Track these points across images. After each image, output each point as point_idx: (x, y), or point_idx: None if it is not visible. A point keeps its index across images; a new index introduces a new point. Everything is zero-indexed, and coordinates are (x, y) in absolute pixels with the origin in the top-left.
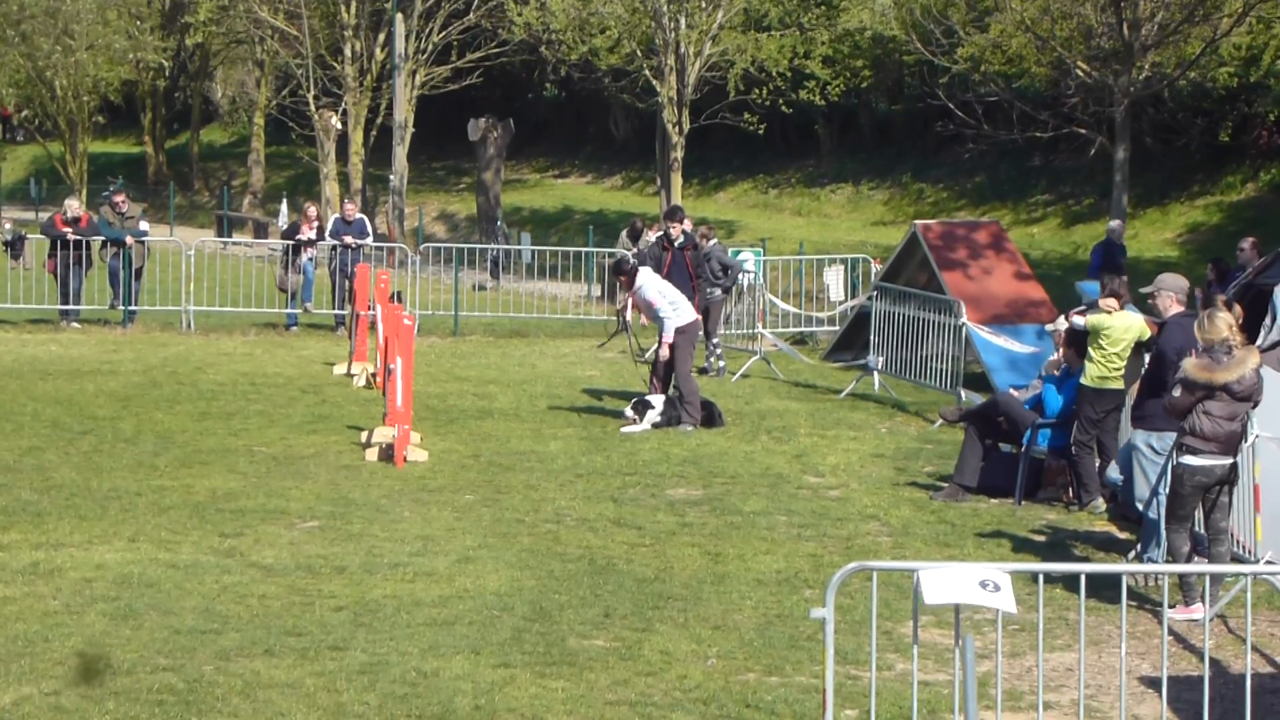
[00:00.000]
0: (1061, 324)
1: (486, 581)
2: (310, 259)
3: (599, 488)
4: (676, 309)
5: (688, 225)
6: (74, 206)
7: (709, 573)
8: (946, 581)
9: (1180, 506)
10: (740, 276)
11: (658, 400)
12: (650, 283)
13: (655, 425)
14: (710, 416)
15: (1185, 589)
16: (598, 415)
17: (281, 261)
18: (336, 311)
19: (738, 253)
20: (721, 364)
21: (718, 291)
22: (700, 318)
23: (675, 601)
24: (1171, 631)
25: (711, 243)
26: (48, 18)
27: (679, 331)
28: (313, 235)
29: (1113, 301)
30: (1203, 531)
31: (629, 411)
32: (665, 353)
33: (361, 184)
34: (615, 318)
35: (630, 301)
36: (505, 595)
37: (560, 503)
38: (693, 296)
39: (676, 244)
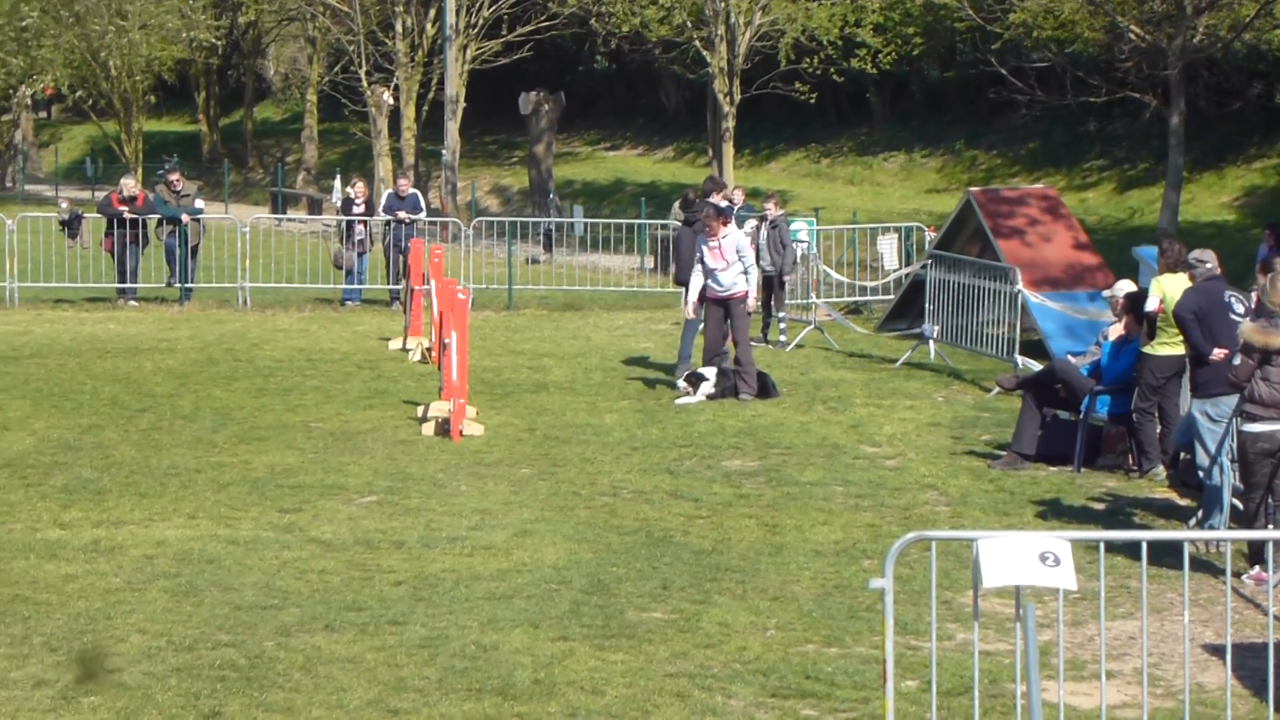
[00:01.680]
0: (1119, 290)
1: (544, 555)
2: (357, 236)
3: (655, 460)
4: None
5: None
6: (130, 185)
7: (766, 544)
8: (1006, 555)
9: (1250, 474)
10: (796, 249)
11: (710, 372)
12: (741, 235)
13: (709, 397)
14: (765, 387)
15: (1251, 554)
16: (652, 387)
17: (338, 238)
18: (391, 286)
19: (790, 221)
20: (783, 339)
21: (784, 264)
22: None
23: (733, 573)
24: (1235, 598)
25: (779, 213)
26: None
27: (744, 300)
28: (361, 209)
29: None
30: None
31: (682, 384)
32: (753, 304)
33: (414, 159)
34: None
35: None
36: (563, 568)
37: (617, 475)
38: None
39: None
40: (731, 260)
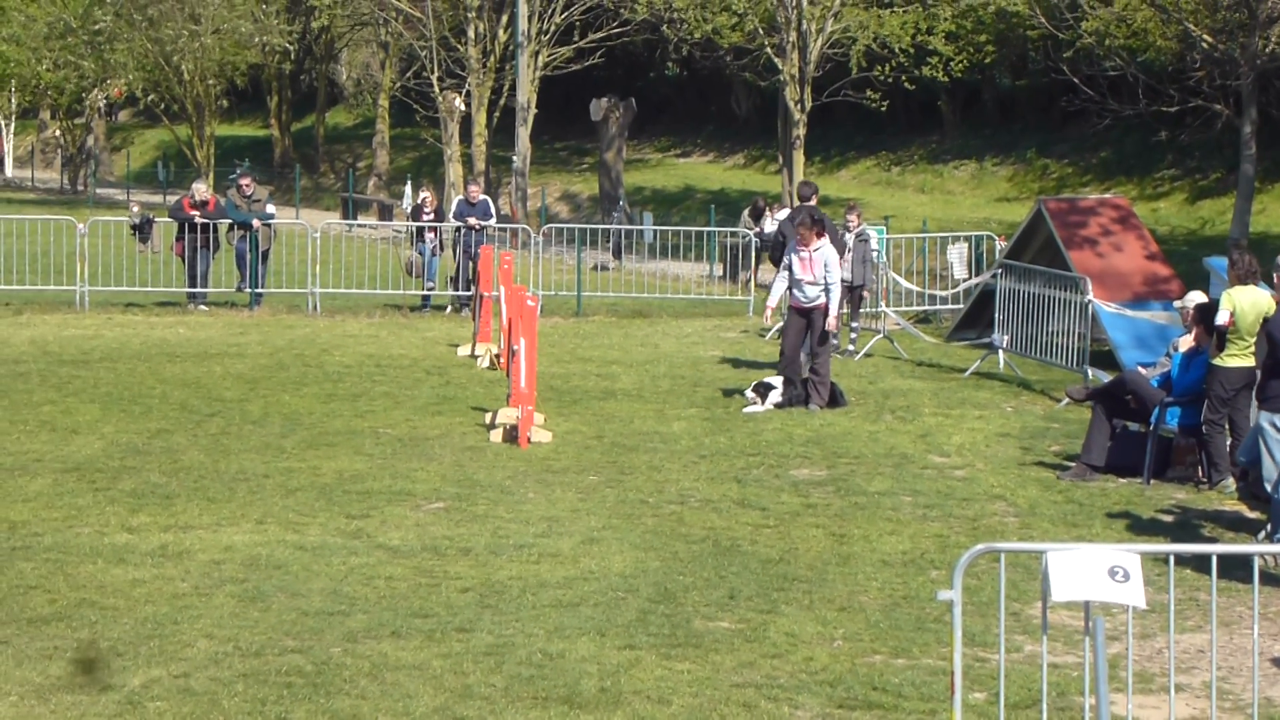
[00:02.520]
0: (1190, 301)
1: (611, 563)
2: (428, 243)
3: (723, 468)
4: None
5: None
6: (201, 190)
7: (834, 554)
8: (1075, 568)
9: None
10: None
11: (778, 381)
12: (833, 251)
13: (777, 406)
14: (833, 396)
15: None
16: (721, 396)
17: (409, 244)
18: (460, 293)
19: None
20: (852, 348)
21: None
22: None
23: (800, 583)
24: None
25: (862, 225)
26: (175, 3)
27: (826, 311)
28: (431, 217)
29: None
30: None
31: (750, 393)
32: (833, 324)
33: (485, 165)
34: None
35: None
36: (630, 577)
37: (684, 484)
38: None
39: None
40: (819, 276)
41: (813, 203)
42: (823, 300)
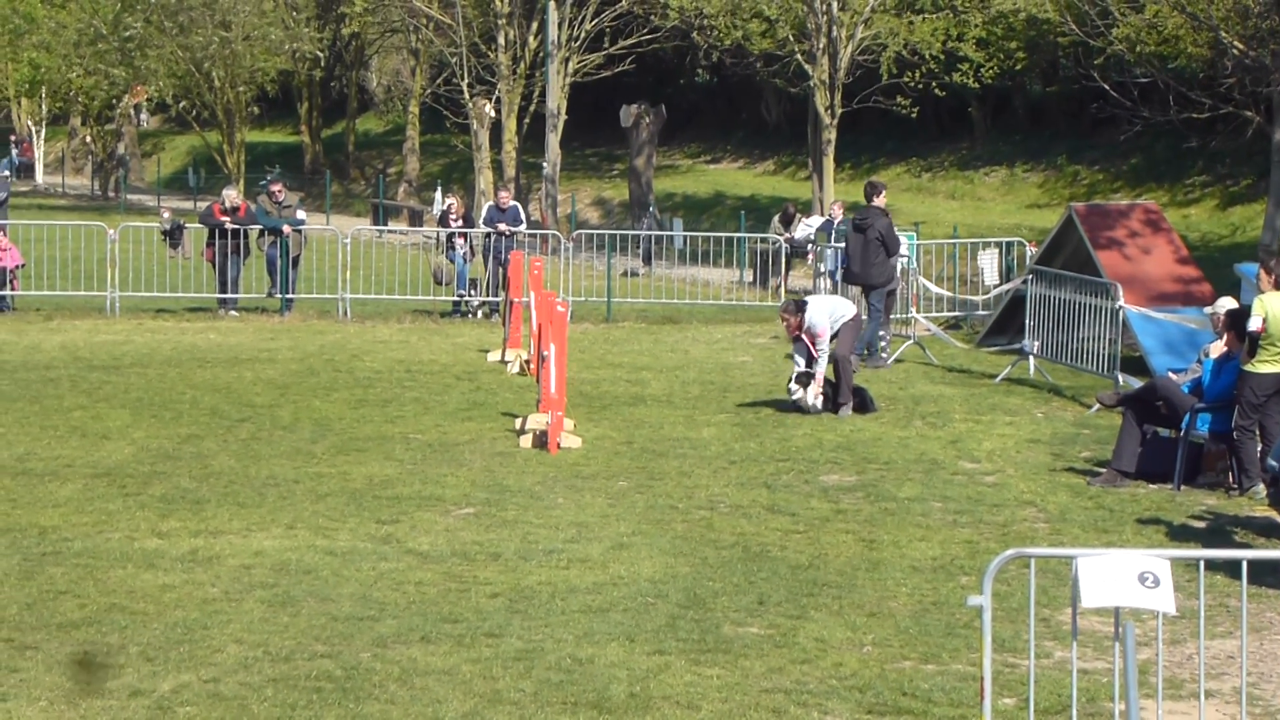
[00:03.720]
0: (1220, 307)
1: (641, 568)
2: (457, 249)
3: (752, 474)
4: (839, 322)
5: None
6: (232, 196)
7: (864, 559)
8: (1105, 574)
9: None
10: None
11: (820, 374)
12: (818, 310)
13: (823, 395)
14: (863, 402)
15: None
16: (750, 401)
17: (437, 251)
18: (490, 298)
19: None
20: (883, 354)
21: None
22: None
23: (830, 588)
24: None
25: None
26: (205, 9)
27: (849, 325)
28: (458, 223)
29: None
30: None
31: (794, 385)
32: (815, 402)
33: (515, 171)
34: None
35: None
36: (659, 582)
37: (714, 489)
38: (869, 270)
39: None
40: (824, 349)
41: (879, 201)
42: (848, 317)
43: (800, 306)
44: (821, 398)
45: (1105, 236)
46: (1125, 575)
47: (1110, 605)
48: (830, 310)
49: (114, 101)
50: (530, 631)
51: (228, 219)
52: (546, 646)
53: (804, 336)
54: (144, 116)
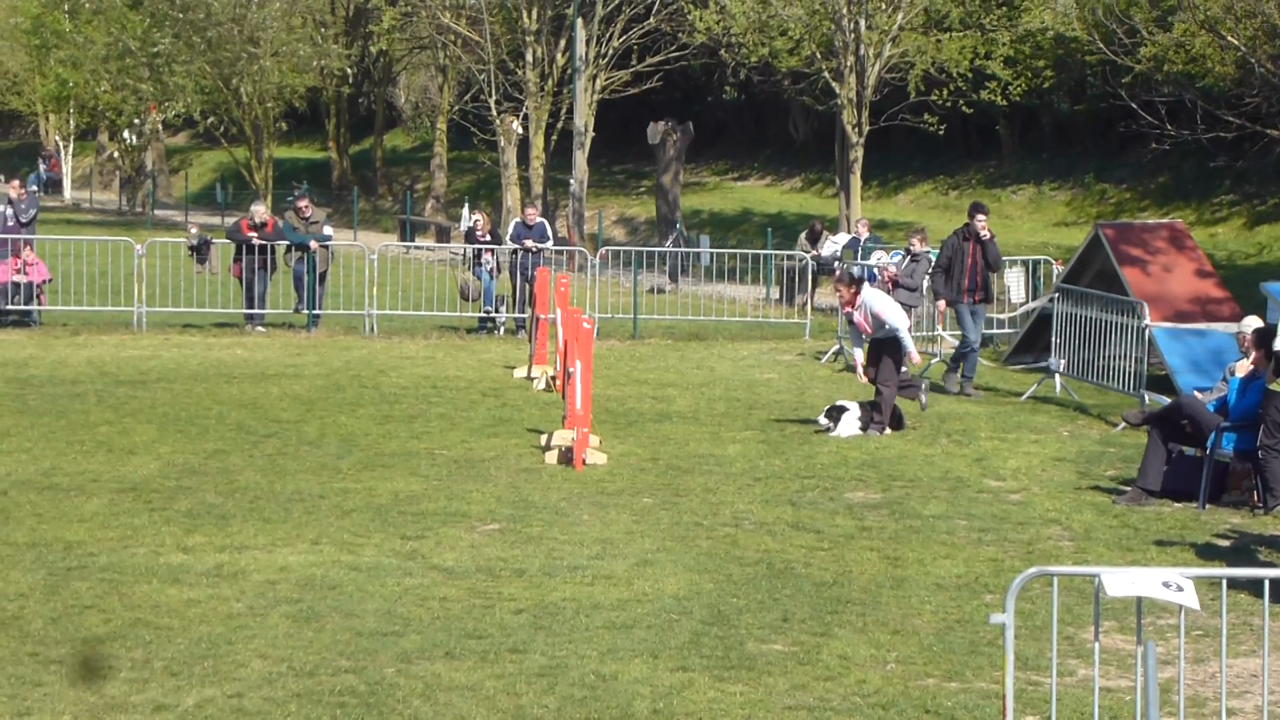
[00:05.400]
0: (1247, 326)
1: (665, 585)
2: (484, 266)
3: (777, 491)
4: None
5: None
6: (260, 211)
7: (888, 577)
8: (1129, 583)
9: None
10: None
11: (852, 405)
12: (877, 295)
13: (859, 430)
14: (896, 419)
15: None
16: (776, 418)
17: (465, 267)
18: (517, 315)
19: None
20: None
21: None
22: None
23: (854, 606)
24: None
25: (924, 249)
26: (234, 25)
27: (899, 339)
28: (487, 239)
29: None
30: None
31: (823, 419)
32: (915, 356)
33: (542, 188)
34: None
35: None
36: (683, 599)
37: (738, 506)
38: (976, 290)
39: (977, 237)
40: (876, 329)
41: (980, 221)
42: (892, 332)
43: (855, 279)
44: (854, 429)
45: (1132, 255)
46: (1149, 585)
47: (1135, 595)
48: (875, 308)
49: (135, 120)
50: (554, 648)
51: (255, 234)
52: (570, 663)
53: (858, 317)
54: (144, 128)
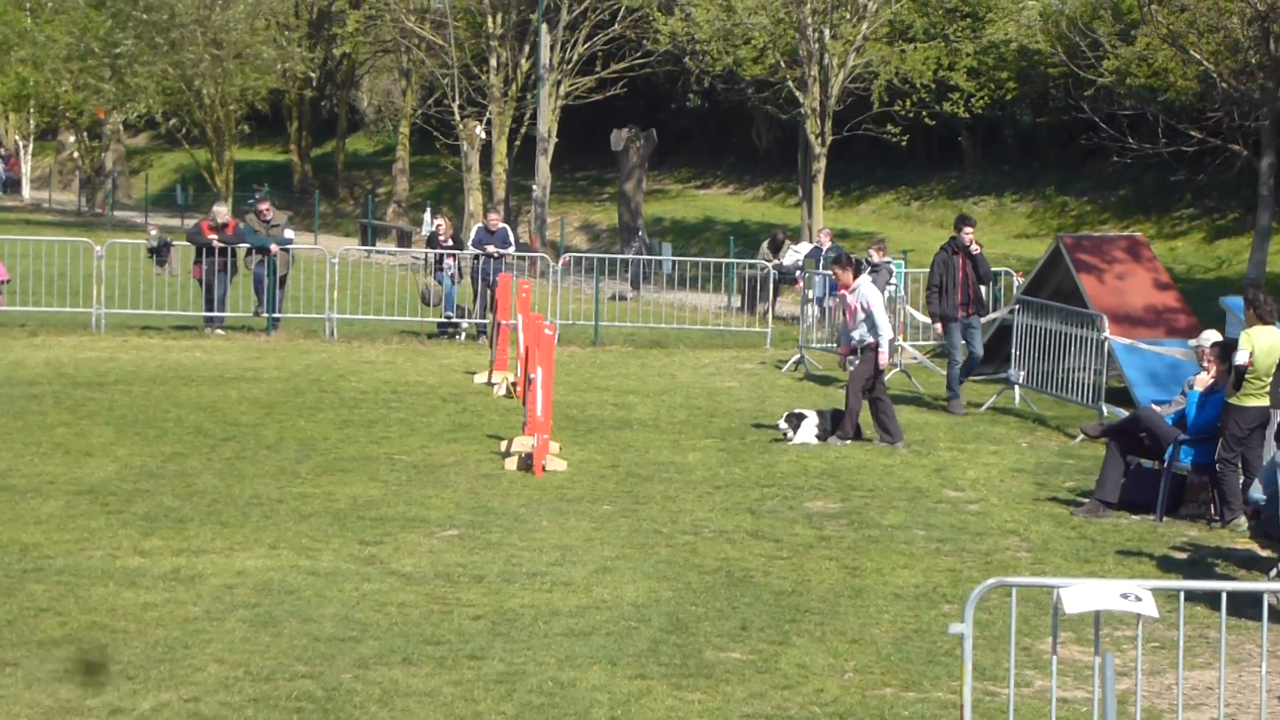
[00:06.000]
0: (1205, 339)
1: (624, 592)
2: (445, 270)
3: (737, 499)
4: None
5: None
6: (222, 212)
7: (846, 586)
8: (1087, 596)
9: None
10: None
11: (810, 412)
12: (874, 290)
13: (818, 438)
14: (857, 430)
15: None
16: (736, 427)
17: (426, 272)
18: (478, 321)
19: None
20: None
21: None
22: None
23: (812, 615)
24: None
25: (883, 260)
26: (197, 26)
27: (876, 349)
28: (448, 244)
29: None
30: None
31: (782, 423)
32: (885, 359)
33: (505, 193)
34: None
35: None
36: (642, 606)
37: (698, 514)
38: (969, 303)
39: (965, 250)
40: (861, 321)
41: (966, 233)
42: (870, 340)
43: (856, 264)
44: (812, 436)
45: (1092, 267)
46: (1108, 598)
47: (1092, 609)
48: (867, 300)
49: (104, 118)
50: (512, 654)
51: (215, 236)
52: (528, 669)
53: (851, 300)
54: (114, 133)
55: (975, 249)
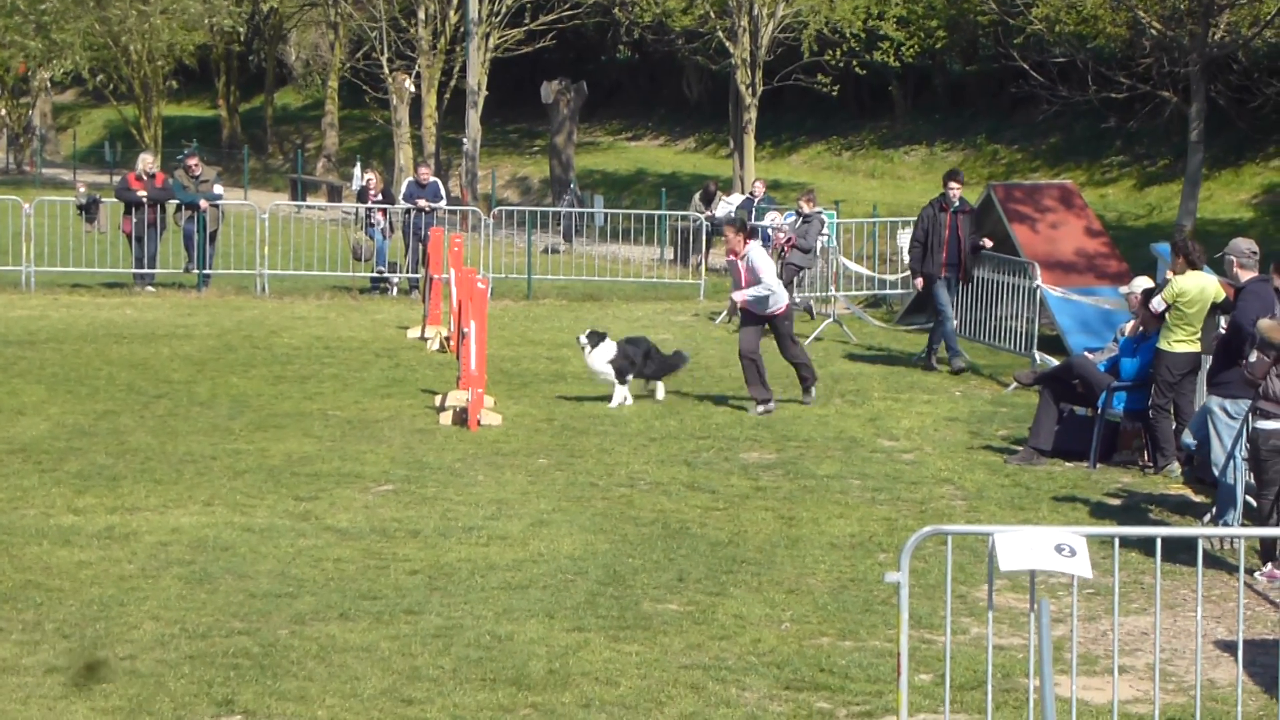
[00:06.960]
0: (1136, 286)
1: (560, 545)
2: (376, 225)
3: (673, 451)
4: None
5: (955, 188)
6: (148, 161)
7: (783, 536)
8: (1022, 546)
9: (1263, 472)
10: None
11: (611, 343)
12: (762, 254)
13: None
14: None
15: (1264, 551)
16: (671, 379)
17: (357, 227)
18: (410, 275)
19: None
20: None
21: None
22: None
23: (749, 565)
24: (1248, 595)
25: (813, 210)
26: None
27: (787, 310)
28: (378, 199)
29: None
30: None
31: (583, 339)
32: (741, 299)
33: (435, 147)
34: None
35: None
36: (579, 559)
37: (634, 466)
38: (958, 266)
39: (954, 207)
40: (751, 283)
41: (953, 188)
42: (776, 309)
43: (747, 228)
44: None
45: (1023, 216)
46: (1042, 548)
47: (1026, 569)
48: (757, 265)
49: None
50: (449, 608)
51: (143, 189)
52: (465, 623)
53: (741, 265)
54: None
55: (967, 207)
